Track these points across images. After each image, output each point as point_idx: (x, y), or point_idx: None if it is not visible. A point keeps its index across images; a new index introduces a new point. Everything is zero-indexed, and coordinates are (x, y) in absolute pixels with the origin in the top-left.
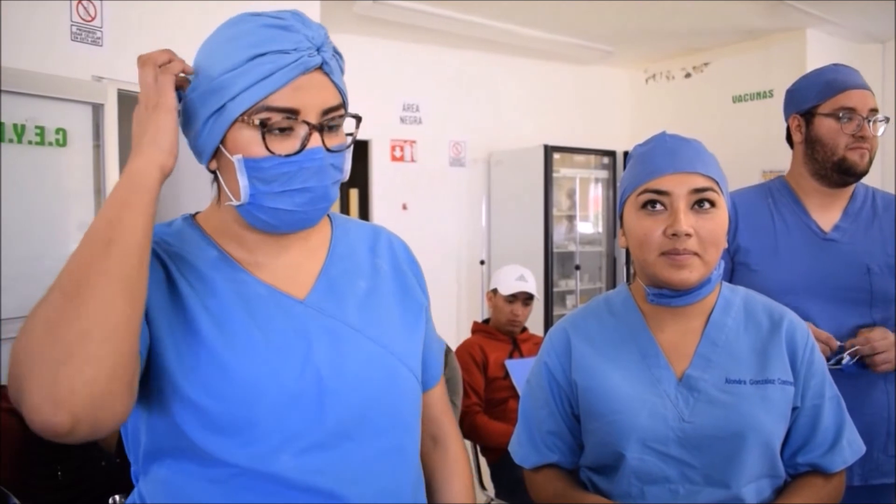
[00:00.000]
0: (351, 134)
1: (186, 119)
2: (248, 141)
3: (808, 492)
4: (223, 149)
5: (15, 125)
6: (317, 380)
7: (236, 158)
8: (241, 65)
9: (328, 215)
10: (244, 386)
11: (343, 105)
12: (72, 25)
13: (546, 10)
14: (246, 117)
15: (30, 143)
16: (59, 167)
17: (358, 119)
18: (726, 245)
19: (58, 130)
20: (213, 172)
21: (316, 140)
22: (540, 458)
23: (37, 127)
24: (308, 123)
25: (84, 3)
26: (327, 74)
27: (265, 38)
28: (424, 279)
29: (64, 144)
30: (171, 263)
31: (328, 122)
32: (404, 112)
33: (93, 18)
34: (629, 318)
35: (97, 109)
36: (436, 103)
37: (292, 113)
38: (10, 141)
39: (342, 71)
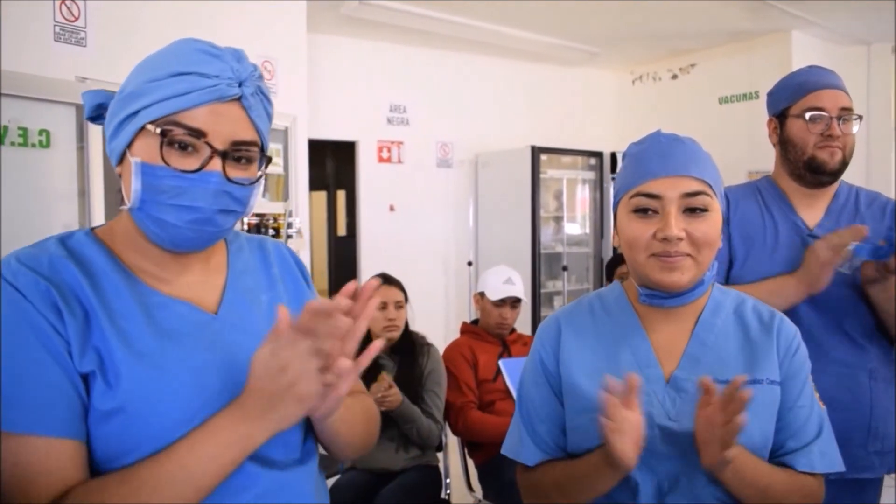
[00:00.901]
0: (262, 173)
1: (108, 120)
2: (150, 149)
3: (782, 472)
4: (128, 153)
5: None
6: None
7: (134, 161)
8: (162, 78)
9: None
10: (159, 399)
11: (256, 143)
12: (55, 26)
13: (532, 11)
14: (151, 126)
15: (13, 144)
16: (43, 169)
17: (268, 159)
18: (721, 245)
19: (41, 132)
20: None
21: (216, 165)
22: (542, 454)
23: (20, 128)
24: (211, 147)
25: (67, 3)
26: (245, 109)
27: (192, 60)
28: (309, 274)
29: (47, 146)
30: (85, 297)
31: (235, 153)
32: (391, 113)
33: (76, 19)
34: (622, 316)
35: (81, 110)
36: (423, 105)
37: (198, 134)
38: None
39: (268, 114)
